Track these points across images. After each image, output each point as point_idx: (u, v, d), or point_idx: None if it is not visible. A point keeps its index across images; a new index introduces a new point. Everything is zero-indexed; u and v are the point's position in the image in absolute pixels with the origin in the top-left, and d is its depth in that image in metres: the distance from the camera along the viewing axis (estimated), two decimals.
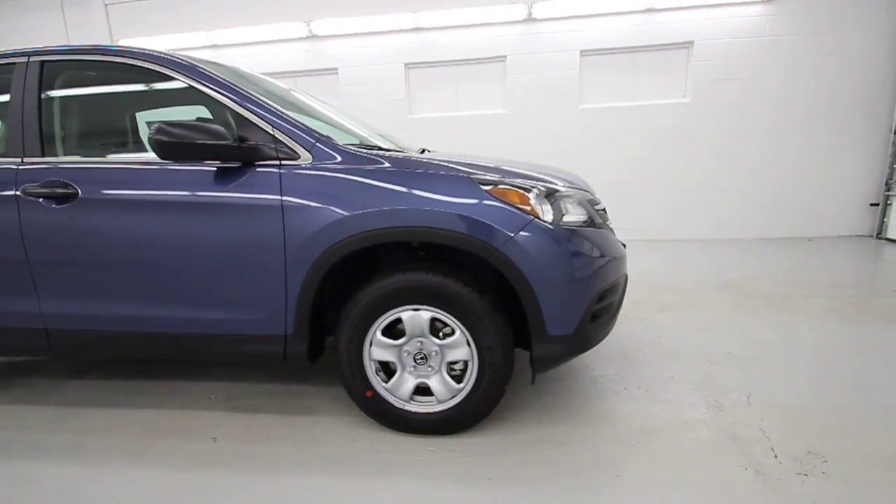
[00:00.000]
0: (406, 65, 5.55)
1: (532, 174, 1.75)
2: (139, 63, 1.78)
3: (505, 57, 5.39)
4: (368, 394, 1.76)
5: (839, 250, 4.81)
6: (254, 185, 1.66)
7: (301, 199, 1.63)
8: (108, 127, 2.13)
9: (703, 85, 5.18)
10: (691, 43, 5.13)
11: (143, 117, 2.45)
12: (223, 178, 1.69)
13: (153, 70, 1.78)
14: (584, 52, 5.26)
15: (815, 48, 4.97)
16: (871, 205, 5.25)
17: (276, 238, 1.65)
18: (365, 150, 1.75)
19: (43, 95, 1.86)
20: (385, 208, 1.57)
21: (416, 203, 1.57)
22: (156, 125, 1.54)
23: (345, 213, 1.59)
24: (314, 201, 1.62)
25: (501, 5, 5.08)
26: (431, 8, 5.19)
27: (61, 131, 1.92)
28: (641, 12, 5.07)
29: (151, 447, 1.80)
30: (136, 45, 1.89)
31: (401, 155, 1.74)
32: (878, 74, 4.96)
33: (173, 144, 1.55)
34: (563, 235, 1.62)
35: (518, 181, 1.66)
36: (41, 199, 1.77)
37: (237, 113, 1.71)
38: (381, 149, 1.90)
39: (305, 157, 1.68)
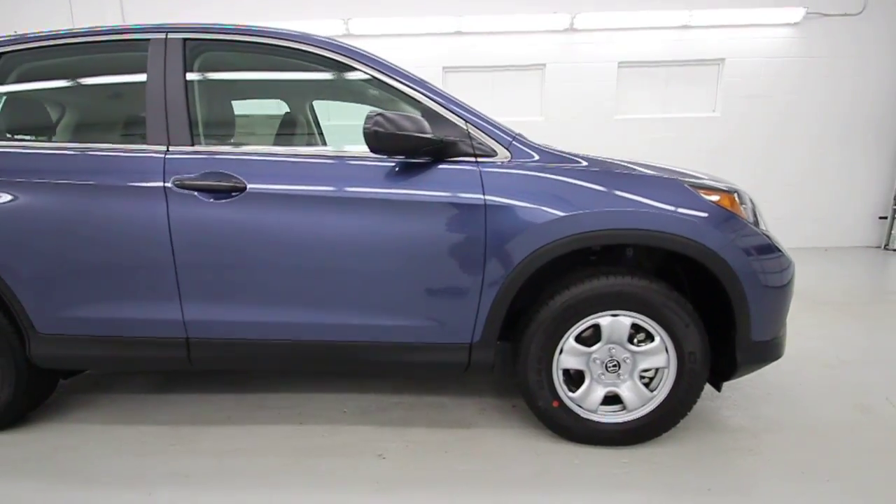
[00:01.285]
0: (444, 68, 5.48)
1: (715, 178, 1.73)
2: (315, 50, 1.64)
3: (544, 65, 5.43)
4: (555, 404, 1.67)
5: (859, 260, 5.10)
6: (450, 183, 1.56)
7: (507, 198, 1.54)
8: (269, 115, 1.95)
9: (732, 100, 5.41)
10: (722, 60, 5.35)
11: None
12: (408, 173, 1.57)
13: (329, 58, 1.64)
14: (621, 64, 5.38)
15: (834, 70, 5.29)
16: (880, 218, 5.61)
17: (475, 239, 1.54)
18: (556, 149, 1.68)
19: (188, 77, 1.67)
20: (615, 210, 1.51)
21: (642, 206, 1.51)
22: (374, 116, 1.42)
23: (561, 214, 1.51)
24: (523, 201, 1.53)
25: (545, 14, 5.13)
26: (474, 13, 5.16)
27: (211, 117, 1.74)
28: (677, 28, 5.25)
29: (315, 468, 1.63)
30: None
31: (592, 155, 1.69)
32: (890, 97, 5.34)
33: (389, 136, 1.43)
34: (768, 239, 1.61)
35: (720, 185, 1.63)
36: (196, 193, 1.59)
37: (428, 108, 1.60)
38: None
39: (503, 154, 1.60)
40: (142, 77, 1.68)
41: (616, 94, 5.47)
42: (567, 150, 1.70)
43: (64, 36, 1.74)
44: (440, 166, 1.58)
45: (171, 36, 1.69)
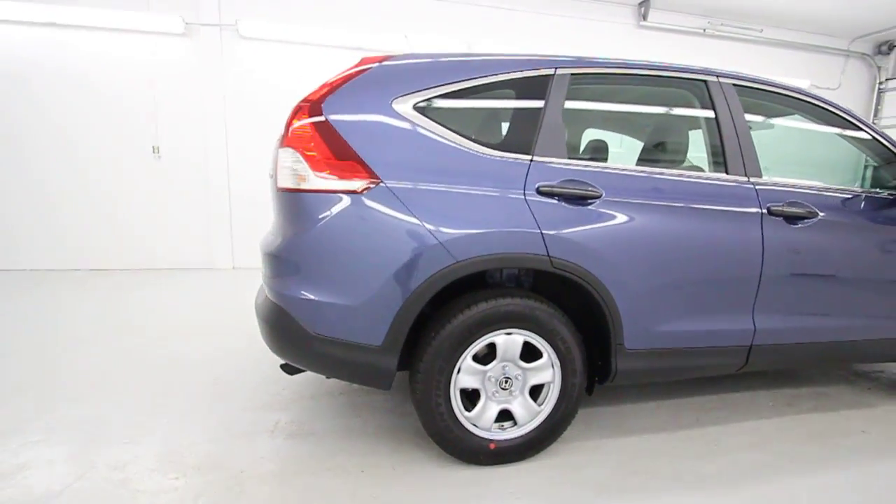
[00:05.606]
0: None
1: None
2: (833, 110, 2.09)
3: None
4: None
5: None
6: None
7: None
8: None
9: None
10: None
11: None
12: None
13: (839, 116, 2.10)
14: None
15: None
16: None
17: None
18: None
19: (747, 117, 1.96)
20: None
21: None
22: None
23: None
24: None
25: None
26: None
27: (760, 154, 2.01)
28: None
29: (842, 445, 1.99)
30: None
31: None
32: None
33: None
34: None
35: None
36: (782, 219, 1.87)
37: None
38: None
39: None
40: (692, 111, 1.93)
41: None
42: None
43: (624, 66, 1.87)
44: None
45: (722, 80, 1.95)
